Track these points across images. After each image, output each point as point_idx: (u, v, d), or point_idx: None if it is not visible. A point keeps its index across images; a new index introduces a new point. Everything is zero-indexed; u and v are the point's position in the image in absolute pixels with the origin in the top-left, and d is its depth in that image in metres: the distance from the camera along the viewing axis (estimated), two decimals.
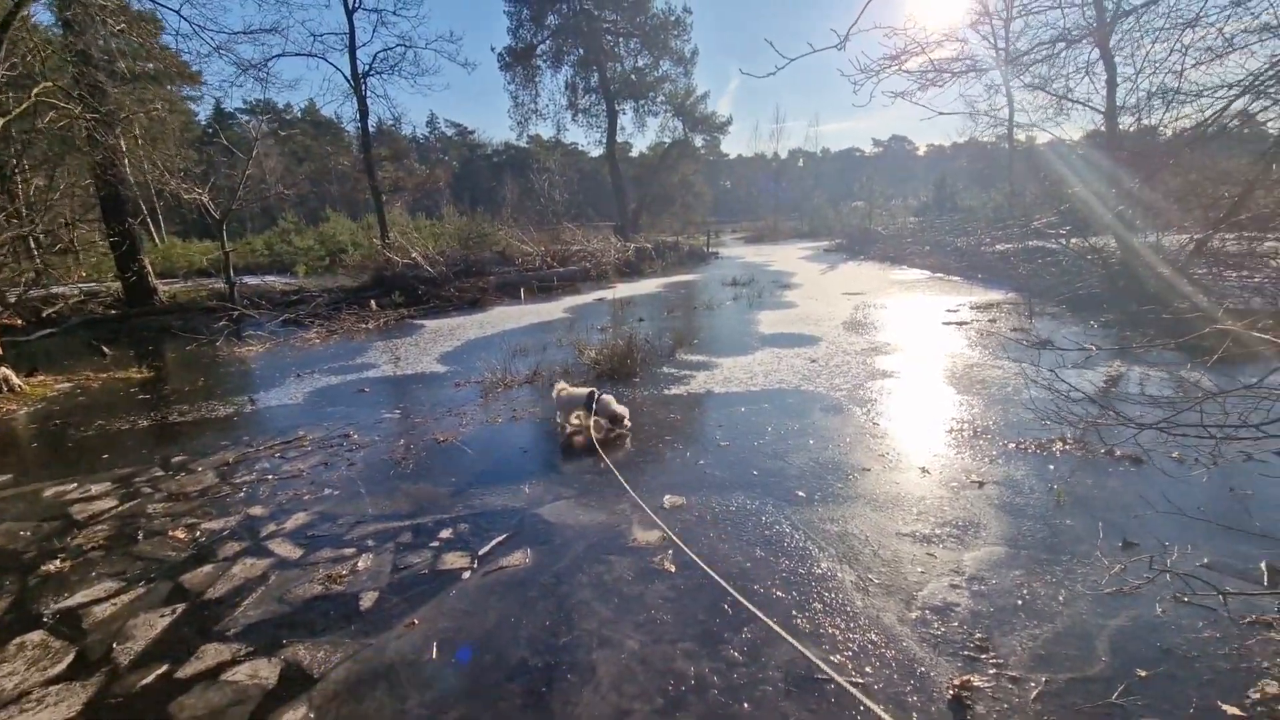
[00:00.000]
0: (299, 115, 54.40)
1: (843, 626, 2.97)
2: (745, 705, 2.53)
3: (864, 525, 3.88)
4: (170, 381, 9.08)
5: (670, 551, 3.70)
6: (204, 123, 44.51)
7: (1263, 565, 3.18)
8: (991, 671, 2.63)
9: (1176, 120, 6.99)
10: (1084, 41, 9.64)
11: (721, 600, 3.22)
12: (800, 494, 4.34)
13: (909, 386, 6.72)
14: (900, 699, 2.52)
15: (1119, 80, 10.37)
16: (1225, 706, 2.37)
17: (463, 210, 34.47)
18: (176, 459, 5.68)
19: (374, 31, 33.77)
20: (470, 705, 2.61)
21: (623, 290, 16.52)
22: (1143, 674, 2.56)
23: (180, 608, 3.42)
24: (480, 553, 3.79)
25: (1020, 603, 3.06)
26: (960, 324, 9.76)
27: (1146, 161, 8.14)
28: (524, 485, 4.72)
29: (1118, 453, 4.65)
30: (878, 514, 4.01)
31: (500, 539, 3.94)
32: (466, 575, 3.58)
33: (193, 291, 18.29)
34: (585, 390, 5.76)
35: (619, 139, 37.48)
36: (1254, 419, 2.78)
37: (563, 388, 5.89)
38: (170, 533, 4.25)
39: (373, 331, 12.16)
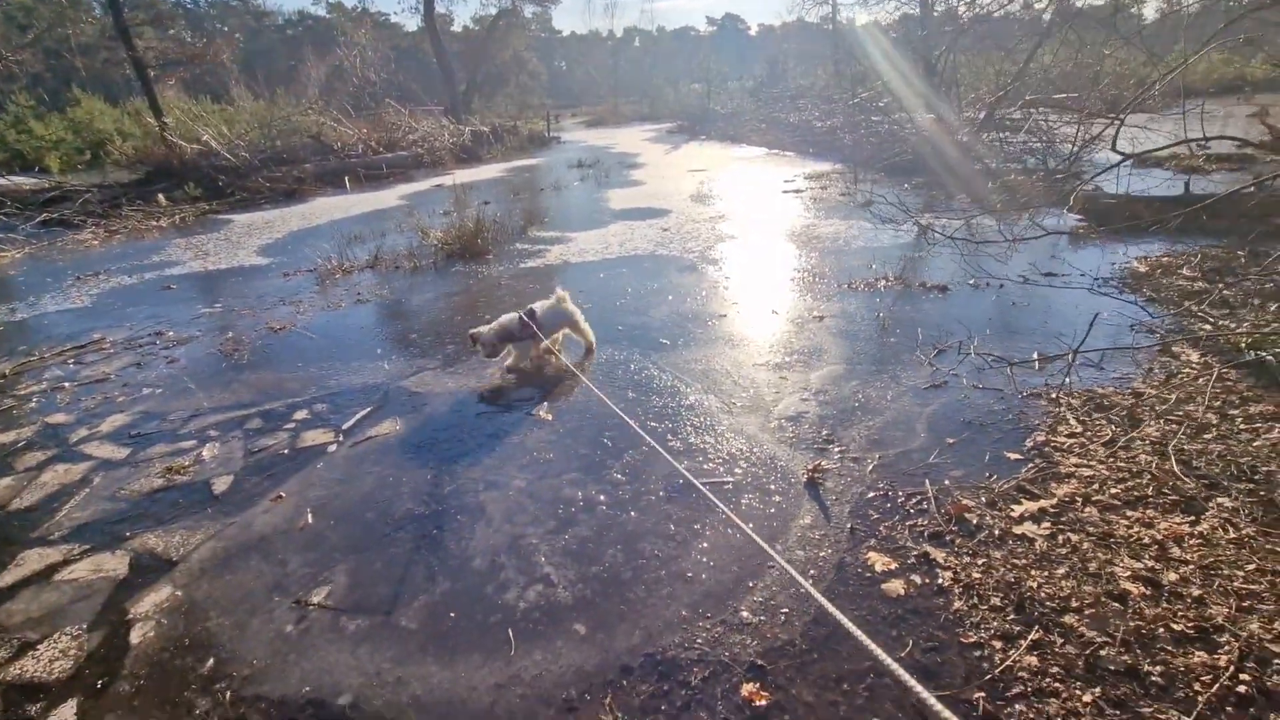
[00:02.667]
0: None
1: (713, 442, 3.25)
2: (631, 513, 2.73)
3: (724, 361, 4.17)
4: None
5: (545, 404, 3.75)
6: None
7: (1035, 354, 3.89)
8: (836, 456, 3.04)
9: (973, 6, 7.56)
10: None
11: (600, 435, 3.36)
12: (664, 341, 4.54)
13: (754, 246, 7.11)
14: (766, 487, 2.85)
15: None
16: (1008, 454, 2.96)
17: (258, 94, 29.40)
18: None
19: None
20: (360, 557, 2.56)
21: (462, 176, 15.38)
22: (951, 441, 3.09)
23: None
24: (344, 427, 3.60)
25: (857, 405, 3.52)
26: (796, 192, 10.35)
27: (947, 40, 8.82)
28: (381, 363, 4.47)
29: (929, 284, 5.33)
30: (735, 351, 4.33)
31: (364, 412, 3.75)
32: (333, 449, 3.39)
33: None
34: (511, 316, 4.18)
35: (438, 8, 33.38)
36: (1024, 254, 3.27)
37: (478, 332, 4.13)
38: None
39: (167, 229, 10.40)
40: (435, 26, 31.88)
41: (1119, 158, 5.83)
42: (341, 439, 3.48)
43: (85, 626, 2.27)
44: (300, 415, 3.76)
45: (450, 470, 3.13)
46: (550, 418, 3.59)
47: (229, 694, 1.97)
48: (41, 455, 3.48)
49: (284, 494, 3.00)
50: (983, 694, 1.81)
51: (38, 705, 1.98)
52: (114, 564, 2.58)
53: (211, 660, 2.10)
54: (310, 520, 2.80)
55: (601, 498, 2.85)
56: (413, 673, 2.01)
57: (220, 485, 3.10)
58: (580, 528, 2.66)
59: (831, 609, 1.52)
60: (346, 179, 14.78)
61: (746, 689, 1.89)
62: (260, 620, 2.26)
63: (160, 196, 12.25)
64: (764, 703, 1.84)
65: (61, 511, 2.96)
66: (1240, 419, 3.02)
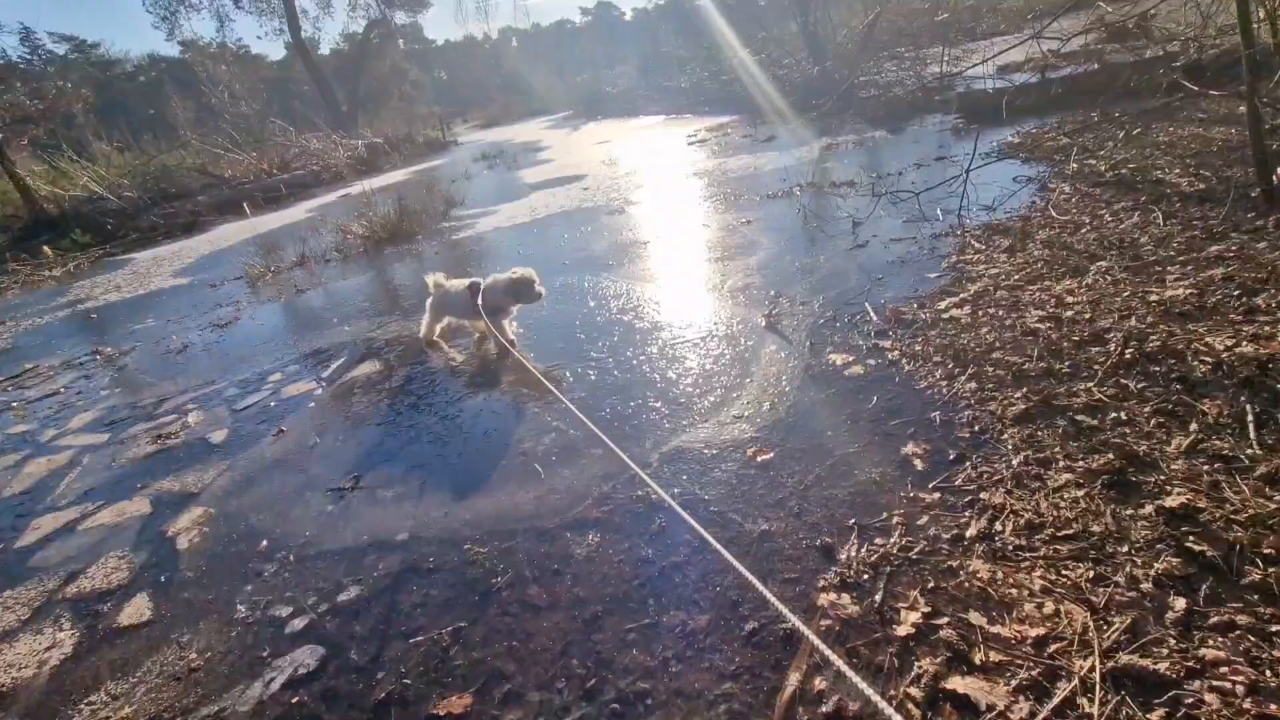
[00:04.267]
0: None
1: (675, 315, 3.57)
2: (617, 374, 3.01)
3: (670, 266, 4.50)
4: None
5: (515, 322, 3.96)
6: None
7: (938, 210, 4.40)
8: (786, 305, 3.42)
9: None
10: None
11: (575, 333, 3.61)
12: (610, 263, 4.82)
13: (673, 188, 7.46)
14: (733, 336, 3.19)
15: None
16: (928, 274, 3.41)
17: (123, 145, 27.47)
18: None
19: None
20: (379, 452, 2.73)
21: (367, 185, 15.09)
22: (879, 277, 3.53)
23: None
24: (324, 375, 3.71)
25: (795, 270, 3.91)
26: (701, 142, 10.79)
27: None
28: (343, 327, 4.55)
29: (837, 182, 5.83)
30: (678, 257, 4.67)
31: (340, 361, 3.86)
32: (319, 393, 3.50)
33: None
34: (463, 282, 3.68)
35: (304, 30, 32.11)
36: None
37: (439, 281, 3.79)
38: None
39: (62, 278, 9.79)
40: (305, 47, 30.73)
41: (985, 69, 6.51)
42: (324, 385, 3.59)
43: (128, 550, 2.37)
44: (275, 377, 3.83)
45: (438, 383, 3.31)
46: (523, 329, 3.81)
47: (291, 557, 2.14)
48: (15, 456, 3.43)
49: (285, 429, 3.11)
50: (937, 413, 2.20)
51: (106, 604, 2.08)
52: (135, 507, 2.65)
53: (264, 542, 2.25)
54: (319, 440, 2.94)
55: (590, 373, 3.11)
56: (458, 508, 2.23)
57: (217, 437, 3.18)
58: (576, 393, 2.92)
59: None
60: (245, 205, 14.21)
61: (750, 451, 2.21)
62: (300, 509, 2.42)
63: (46, 249, 11.47)
64: (768, 456, 2.17)
65: (60, 486, 2.97)
66: (1107, 215, 3.58)
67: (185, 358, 4.55)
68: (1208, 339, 2.18)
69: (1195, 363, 2.08)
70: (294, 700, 1.57)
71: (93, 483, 2.96)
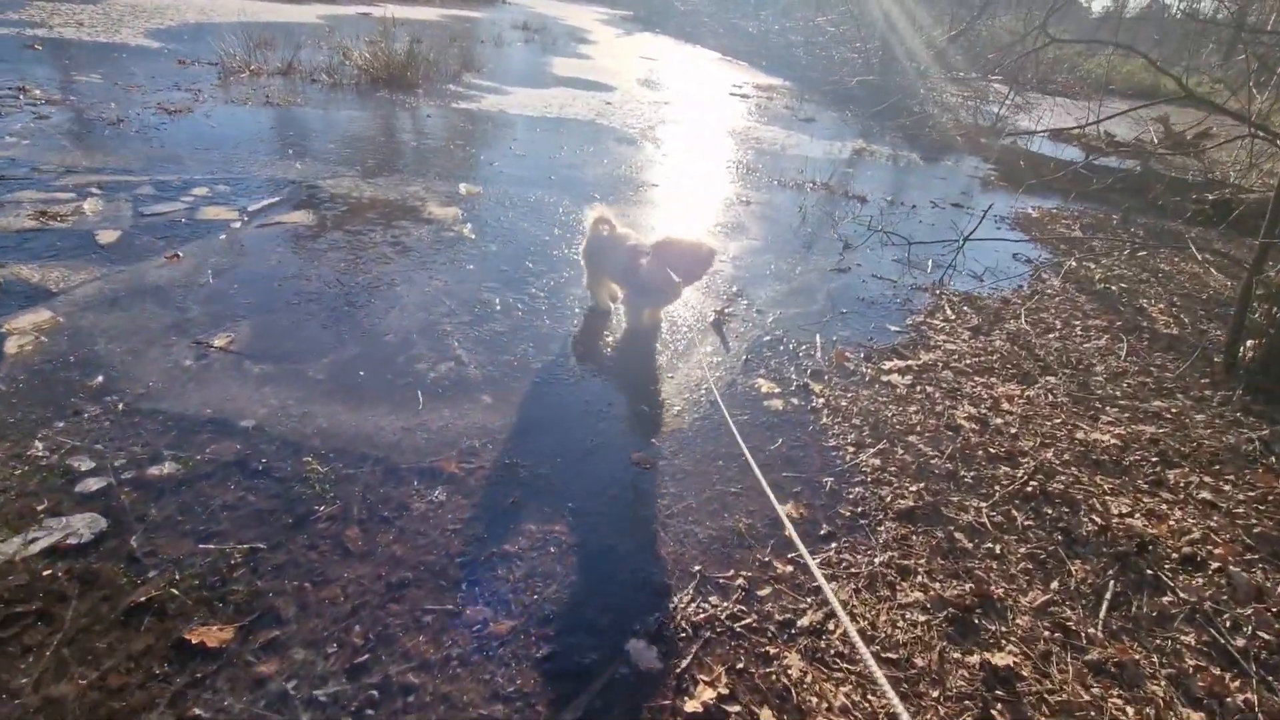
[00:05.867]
0: None
1: None
2: (547, 321, 2.84)
3: (652, 219, 4.26)
4: None
5: (469, 225, 3.71)
6: None
7: (930, 262, 4.26)
8: (743, 306, 3.27)
9: None
10: None
11: (524, 259, 3.39)
12: (595, 196, 4.54)
13: (695, 134, 7.08)
14: (678, 319, 3.04)
15: None
16: (890, 325, 3.30)
17: None
18: None
19: None
20: (267, 317, 2.52)
21: (394, 10, 13.93)
22: (844, 311, 3.40)
23: None
24: (250, 209, 3.40)
25: (768, 273, 3.75)
26: (743, 97, 10.26)
27: None
28: (293, 163, 4.18)
29: (851, 193, 5.60)
30: (663, 214, 4.42)
31: (273, 200, 3.55)
32: (237, 225, 3.22)
33: None
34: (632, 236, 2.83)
35: None
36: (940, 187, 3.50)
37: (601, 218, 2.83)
38: None
39: None
40: None
41: (1037, 126, 6.24)
42: (246, 219, 3.30)
43: None
44: (199, 191, 3.50)
45: (365, 264, 3.07)
46: (474, 236, 3.57)
47: (120, 405, 1.95)
48: None
49: (181, 254, 2.85)
50: (831, 479, 2.13)
51: None
52: None
53: (101, 377, 2.05)
54: (211, 280, 2.69)
55: (519, 306, 2.93)
56: (319, 410, 2.07)
57: (106, 238, 2.89)
58: (495, 324, 2.74)
59: (720, 400, 1.71)
60: None
61: (636, 455, 2.11)
62: (157, 351, 2.21)
63: None
64: (648, 467, 2.07)
65: None
66: (1079, 328, 3.52)
67: (115, 134, 4.12)
68: (1107, 498, 2.15)
69: (1085, 519, 2.05)
70: (45, 572, 1.43)
71: None
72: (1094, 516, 2.06)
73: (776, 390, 2.60)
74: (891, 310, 3.49)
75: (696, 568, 1.72)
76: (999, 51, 11.45)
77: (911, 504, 2.04)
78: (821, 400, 2.56)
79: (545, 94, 7.79)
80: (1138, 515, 2.08)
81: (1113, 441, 2.47)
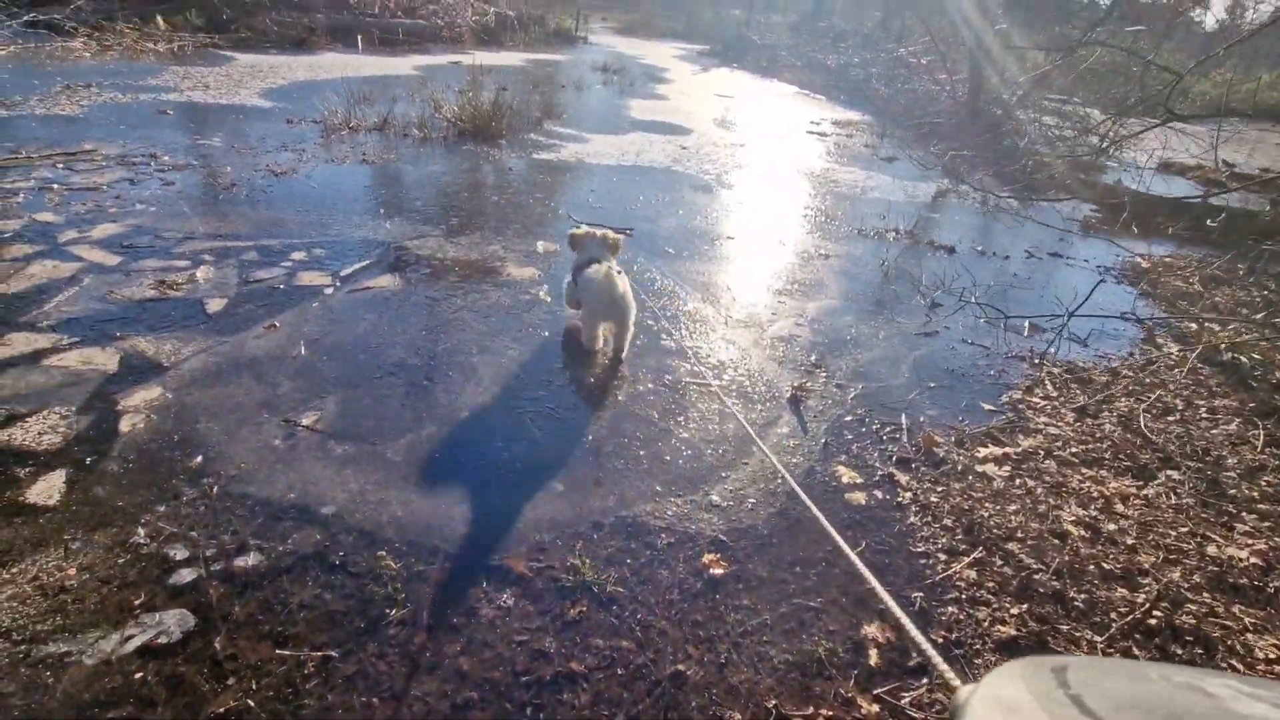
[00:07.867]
0: None
1: (706, 346, 3.31)
2: (619, 398, 2.81)
3: (726, 278, 4.19)
4: None
5: (545, 287, 3.76)
6: None
7: (1026, 323, 3.98)
8: (822, 380, 3.13)
9: None
10: None
11: None
12: (669, 250, 4.52)
13: (772, 179, 6.99)
14: (750, 396, 2.94)
15: None
16: (984, 404, 3.07)
17: None
18: None
19: None
20: (351, 392, 2.61)
21: (481, 58, 14.65)
22: (932, 385, 3.20)
23: None
24: (342, 273, 3.58)
25: (849, 338, 3.59)
26: (821, 135, 10.10)
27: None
28: (384, 223, 4.39)
29: (937, 243, 5.34)
30: (738, 271, 4.34)
31: (364, 263, 3.72)
32: (329, 291, 3.38)
33: None
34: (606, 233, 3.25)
35: None
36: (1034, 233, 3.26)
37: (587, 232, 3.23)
38: None
39: (164, 55, 9.81)
40: None
41: (1144, 159, 5.78)
42: (338, 284, 3.46)
43: (74, 409, 2.31)
44: (298, 255, 3.72)
45: (446, 330, 3.15)
46: (549, 300, 3.61)
47: (215, 488, 2.05)
48: (29, 249, 3.41)
49: (278, 324, 3.01)
50: (921, 594, 1.96)
51: (25, 469, 2.03)
52: (104, 359, 2.60)
53: (200, 457, 2.17)
54: (303, 351, 2.82)
55: (589, 379, 2.91)
56: (394, 497, 2.10)
57: (214, 306, 3.10)
58: (565, 399, 2.73)
59: (800, 492, 1.61)
60: (360, 38, 13.99)
61: (707, 558, 2.02)
62: (249, 431, 2.32)
63: (159, 18, 11.49)
64: (721, 571, 1.98)
65: (50, 303, 2.94)
66: (1204, 409, 3.16)
67: (229, 198, 4.46)
68: (1249, 635, 1.88)
69: (1223, 664, 1.79)
70: (137, 675, 1.49)
71: (81, 310, 2.92)
72: (1233, 661, 1.80)
73: (859, 481, 2.45)
74: (984, 384, 3.26)
75: (772, 703, 1.60)
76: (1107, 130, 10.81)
77: (1014, 632, 1.84)
78: (909, 494, 2.39)
79: (622, 140, 7.92)
80: None
81: (1253, 560, 2.17)
